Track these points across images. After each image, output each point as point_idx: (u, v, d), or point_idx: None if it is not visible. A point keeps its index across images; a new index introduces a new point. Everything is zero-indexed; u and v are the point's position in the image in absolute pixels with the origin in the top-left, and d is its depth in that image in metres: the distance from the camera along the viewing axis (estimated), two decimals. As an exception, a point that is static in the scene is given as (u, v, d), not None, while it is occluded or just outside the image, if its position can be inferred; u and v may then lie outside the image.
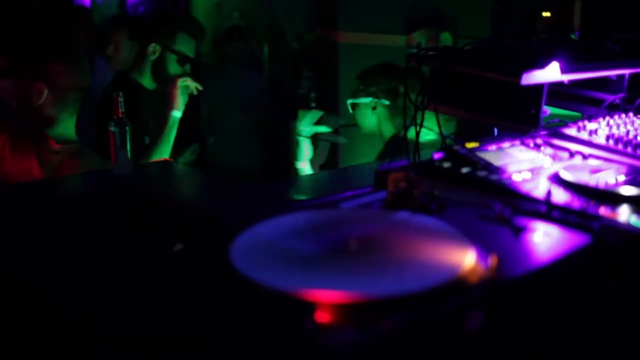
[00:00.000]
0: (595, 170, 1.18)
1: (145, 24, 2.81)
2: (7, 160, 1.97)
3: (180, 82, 2.46)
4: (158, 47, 2.58)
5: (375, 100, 2.59)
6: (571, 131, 1.41)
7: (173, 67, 2.58)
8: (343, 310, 0.67)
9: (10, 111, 2.12)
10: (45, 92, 2.03)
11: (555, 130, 1.41)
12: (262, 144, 3.66)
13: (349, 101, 2.69)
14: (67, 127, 2.11)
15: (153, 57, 2.60)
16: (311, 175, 2.72)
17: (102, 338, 0.68)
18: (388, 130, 2.61)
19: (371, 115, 2.63)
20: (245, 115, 3.51)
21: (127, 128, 1.81)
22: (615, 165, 1.24)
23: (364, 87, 2.64)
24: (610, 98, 1.66)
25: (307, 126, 2.79)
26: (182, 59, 2.58)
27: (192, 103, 2.78)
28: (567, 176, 1.10)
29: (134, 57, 2.86)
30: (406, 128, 1.42)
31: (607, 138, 1.37)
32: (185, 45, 2.60)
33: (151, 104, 2.60)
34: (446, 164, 1.13)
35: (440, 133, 1.36)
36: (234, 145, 3.44)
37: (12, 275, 0.97)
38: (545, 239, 0.89)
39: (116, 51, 3.09)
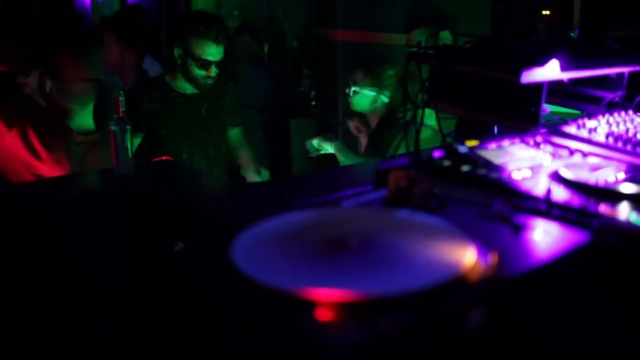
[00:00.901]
0: (595, 168, 1.18)
1: (173, 28, 2.77)
2: (42, 154, 2.01)
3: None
4: (181, 52, 2.56)
5: (378, 95, 2.71)
6: (571, 129, 1.41)
7: (196, 72, 2.55)
8: (343, 309, 0.67)
9: (38, 106, 2.14)
10: (48, 82, 2.05)
11: (555, 128, 1.41)
12: (265, 142, 3.66)
13: (353, 88, 2.82)
14: (82, 118, 2.13)
15: (180, 62, 2.57)
16: (311, 174, 2.73)
17: (102, 338, 0.68)
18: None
19: (370, 104, 2.81)
20: (255, 114, 3.52)
21: (128, 127, 1.82)
22: (614, 163, 1.24)
23: (370, 80, 2.74)
24: (609, 96, 1.66)
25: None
26: (201, 64, 2.53)
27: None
28: (567, 174, 1.10)
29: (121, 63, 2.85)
30: (406, 126, 1.42)
31: (607, 136, 1.37)
32: (205, 49, 2.52)
33: (183, 108, 2.61)
34: (446, 162, 1.13)
35: (441, 131, 1.36)
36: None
37: (12, 275, 0.97)
38: (545, 237, 0.89)
39: (108, 54, 2.96)
